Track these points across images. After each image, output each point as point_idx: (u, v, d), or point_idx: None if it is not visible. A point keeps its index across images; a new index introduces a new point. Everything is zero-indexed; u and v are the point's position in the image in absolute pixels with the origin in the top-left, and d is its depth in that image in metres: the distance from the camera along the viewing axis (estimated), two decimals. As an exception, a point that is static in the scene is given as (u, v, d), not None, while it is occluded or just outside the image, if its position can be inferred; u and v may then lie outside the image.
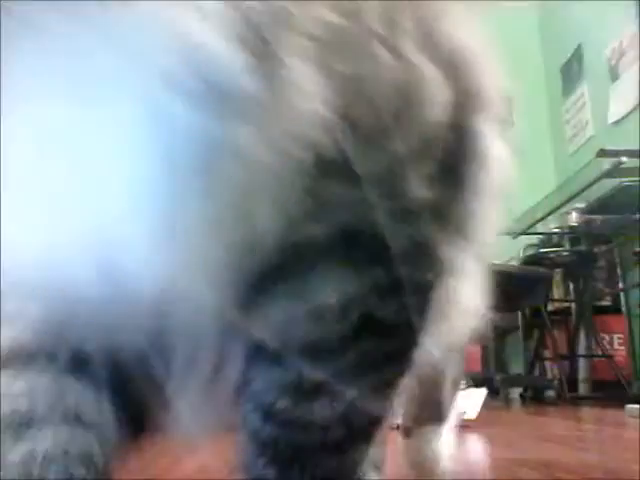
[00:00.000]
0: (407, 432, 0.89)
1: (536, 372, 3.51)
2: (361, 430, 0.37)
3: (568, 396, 2.83)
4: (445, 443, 1.29)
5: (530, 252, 3.58)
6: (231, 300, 0.32)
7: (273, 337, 0.33)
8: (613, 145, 2.88)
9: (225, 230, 0.30)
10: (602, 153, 2.77)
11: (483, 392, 1.51)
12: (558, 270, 3.43)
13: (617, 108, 3.46)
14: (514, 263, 3.58)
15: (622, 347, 3.28)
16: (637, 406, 1.67)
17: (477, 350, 3.45)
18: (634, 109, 3.27)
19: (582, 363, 3.19)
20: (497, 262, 3.28)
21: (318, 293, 0.33)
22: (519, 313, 3.72)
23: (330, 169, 0.31)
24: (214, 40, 0.26)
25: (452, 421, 1.31)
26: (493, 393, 3.28)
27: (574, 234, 3.28)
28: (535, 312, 3.41)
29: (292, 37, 0.28)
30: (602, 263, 3.37)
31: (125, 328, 0.32)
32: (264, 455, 0.35)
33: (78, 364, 0.34)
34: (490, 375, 2.91)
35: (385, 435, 0.58)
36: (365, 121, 0.31)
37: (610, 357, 3.08)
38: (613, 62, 3.55)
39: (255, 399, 0.35)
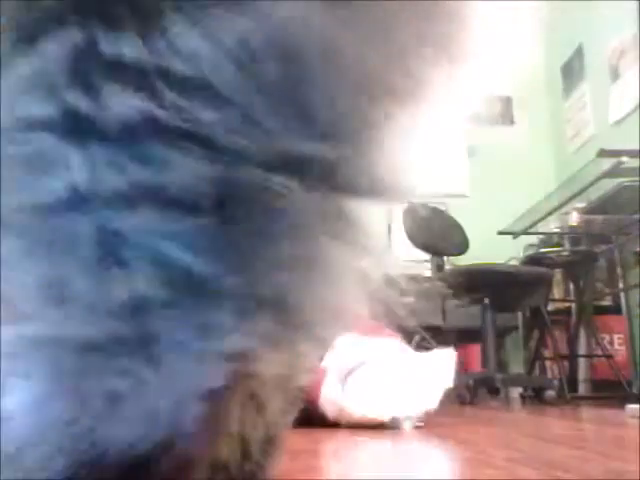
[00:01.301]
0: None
1: (536, 372, 3.51)
2: None
3: (568, 396, 2.82)
4: None
5: (530, 252, 3.58)
6: None
7: None
8: (613, 145, 2.88)
9: None
10: (602, 153, 2.77)
11: (452, 353, 1.45)
12: (558, 270, 3.43)
13: (618, 108, 3.46)
14: (514, 263, 3.58)
15: (622, 347, 3.27)
16: (637, 406, 1.67)
17: (477, 350, 3.45)
18: (635, 109, 3.27)
19: (582, 363, 3.19)
20: (497, 262, 3.27)
21: None
22: (519, 313, 3.72)
23: None
24: None
25: None
26: (493, 393, 3.28)
27: (574, 234, 3.28)
28: (535, 312, 3.41)
29: None
30: (602, 263, 3.37)
31: None
32: None
33: None
34: (490, 375, 2.91)
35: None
36: None
37: (610, 357, 3.07)
38: (614, 62, 3.55)
39: None
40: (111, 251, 0.27)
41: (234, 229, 0.28)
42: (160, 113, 0.27)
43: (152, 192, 0.27)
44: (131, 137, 0.27)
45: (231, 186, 0.28)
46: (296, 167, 0.29)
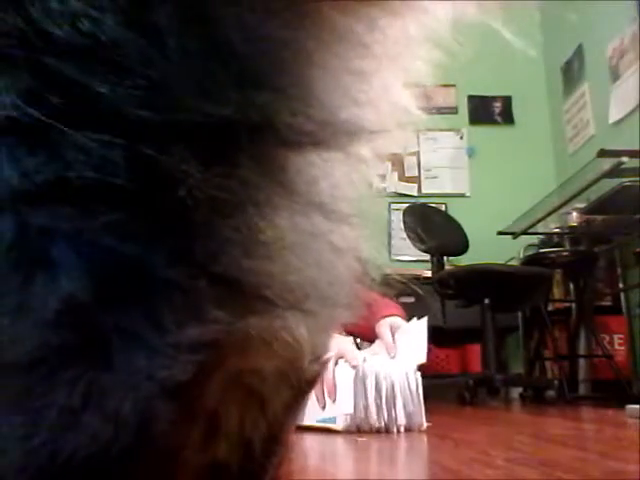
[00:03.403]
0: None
1: (536, 372, 3.51)
2: None
3: (568, 396, 2.82)
4: None
5: (530, 252, 3.58)
6: None
7: None
8: (613, 145, 2.88)
9: None
10: (602, 153, 2.77)
11: (423, 322, 1.45)
12: (558, 270, 3.43)
13: (618, 108, 3.46)
14: (514, 263, 3.58)
15: (622, 347, 3.27)
16: (637, 406, 1.67)
17: (477, 350, 3.45)
18: (634, 109, 3.27)
19: (582, 363, 3.19)
20: (497, 262, 3.26)
21: None
22: (519, 313, 3.72)
23: None
24: None
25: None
26: (493, 393, 3.28)
27: (574, 234, 3.28)
28: (535, 312, 3.41)
29: None
30: (602, 263, 3.37)
31: None
32: None
33: None
34: (490, 375, 2.91)
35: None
36: None
37: (610, 357, 3.07)
38: (614, 62, 3.55)
39: None
40: (33, 253, 0.25)
41: (166, 211, 0.26)
42: (50, 96, 0.24)
43: (59, 185, 0.24)
44: (21, 129, 0.24)
45: (144, 165, 0.25)
46: (219, 134, 0.26)
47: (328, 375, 1.36)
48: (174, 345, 0.26)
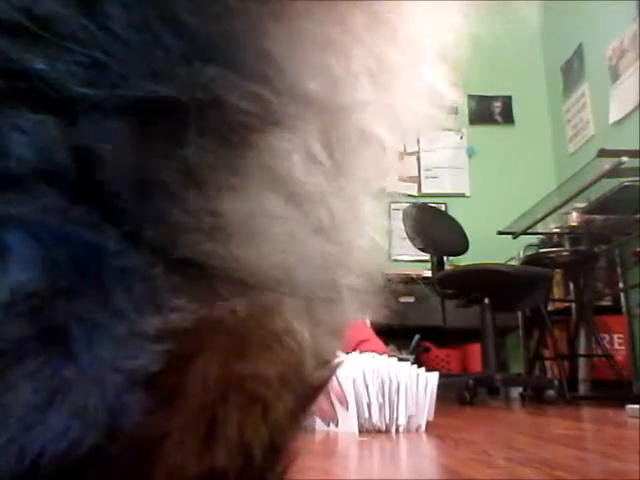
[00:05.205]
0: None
1: (536, 372, 3.51)
2: None
3: (568, 396, 2.82)
4: None
5: (530, 252, 3.58)
6: None
7: None
8: (613, 145, 2.88)
9: None
10: (602, 153, 2.77)
11: (436, 375, 1.42)
12: (558, 270, 3.43)
13: (617, 108, 3.46)
14: (514, 263, 3.58)
15: (622, 347, 3.27)
16: (637, 406, 1.67)
17: (477, 350, 3.45)
18: (634, 109, 3.27)
19: (582, 363, 3.19)
20: (497, 262, 3.26)
21: None
22: (519, 313, 3.72)
23: None
24: None
25: None
26: (493, 393, 3.28)
27: (574, 234, 3.28)
28: (535, 312, 3.41)
29: None
30: (602, 263, 3.37)
31: None
32: None
33: None
34: (490, 375, 2.91)
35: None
36: None
37: (610, 357, 3.07)
38: (613, 62, 3.55)
39: None
40: None
41: (109, 195, 0.24)
42: None
43: None
44: None
45: (85, 147, 0.23)
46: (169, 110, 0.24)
47: (333, 383, 1.34)
48: (139, 334, 0.24)
